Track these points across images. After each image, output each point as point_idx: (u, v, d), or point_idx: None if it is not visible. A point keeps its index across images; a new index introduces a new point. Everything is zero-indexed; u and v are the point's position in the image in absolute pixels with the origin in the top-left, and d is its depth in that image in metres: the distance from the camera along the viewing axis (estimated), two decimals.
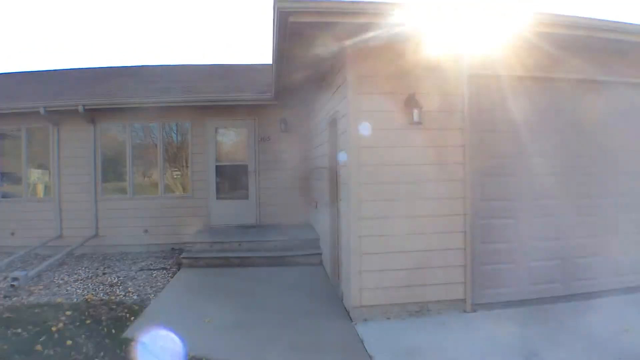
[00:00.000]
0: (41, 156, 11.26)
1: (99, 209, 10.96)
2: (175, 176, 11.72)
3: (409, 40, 5.36)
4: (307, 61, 6.30)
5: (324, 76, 7.28)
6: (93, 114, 10.69)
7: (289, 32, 5.08)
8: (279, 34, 5.26)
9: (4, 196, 11.31)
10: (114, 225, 10.84)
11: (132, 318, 5.87)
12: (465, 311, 5.71)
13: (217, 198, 11.11)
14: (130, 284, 7.70)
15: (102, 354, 4.75)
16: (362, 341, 4.95)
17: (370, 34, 5.00)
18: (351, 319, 5.58)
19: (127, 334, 5.31)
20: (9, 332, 5.42)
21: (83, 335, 5.27)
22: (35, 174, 11.43)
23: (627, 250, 6.15)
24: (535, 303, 5.78)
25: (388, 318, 5.53)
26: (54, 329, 5.49)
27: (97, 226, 10.91)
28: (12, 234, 10.90)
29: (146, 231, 10.64)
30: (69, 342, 5.07)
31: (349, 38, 5.21)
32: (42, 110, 10.25)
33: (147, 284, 7.68)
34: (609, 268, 6.08)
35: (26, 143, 11.18)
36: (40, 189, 11.38)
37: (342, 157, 6.12)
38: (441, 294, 5.71)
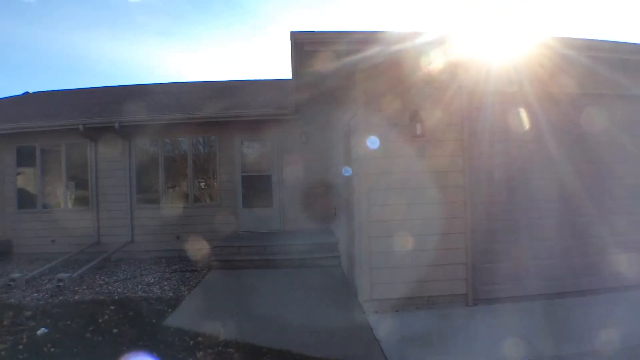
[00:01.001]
0: (79, 169, 12.16)
1: (134, 217, 11.82)
2: (203, 186, 12.53)
3: (411, 62, 6.04)
4: (322, 81, 7.01)
5: (338, 94, 7.97)
6: (127, 130, 11.54)
7: (304, 56, 5.80)
8: (295, 58, 5.99)
9: (45, 207, 12.23)
10: (148, 232, 11.66)
11: (170, 310, 6.62)
12: (467, 305, 6.29)
13: (243, 206, 11.86)
14: (165, 283, 8.48)
15: (145, 338, 5.49)
16: (371, 329, 5.60)
17: (373, 58, 5.72)
18: (363, 312, 6.22)
19: (166, 323, 6.06)
20: (59, 324, 6.19)
21: (127, 325, 6.04)
22: (71, 186, 12.32)
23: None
24: (533, 299, 6.31)
25: (396, 311, 6.14)
26: (100, 320, 6.28)
27: (132, 233, 11.76)
28: (53, 241, 11.81)
29: (178, 237, 11.39)
30: (115, 330, 5.83)
31: (355, 61, 5.91)
32: (81, 128, 11.18)
33: (180, 283, 8.44)
34: (601, 269, 6.58)
35: (65, 157, 12.10)
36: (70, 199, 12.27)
37: (354, 166, 6.78)
38: (445, 290, 6.30)
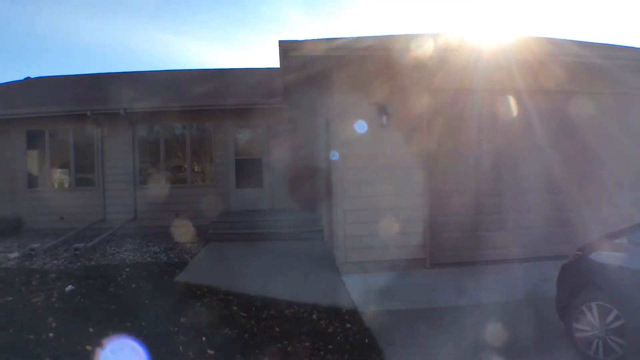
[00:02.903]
0: (86, 152, 13.29)
1: (137, 196, 13.03)
2: (200, 169, 13.80)
3: (380, 63, 7.29)
4: (306, 76, 8.21)
5: (320, 87, 9.16)
6: (131, 116, 12.65)
7: (290, 61, 7.03)
8: (283, 61, 7.19)
9: (54, 186, 13.44)
10: (150, 210, 12.83)
11: (178, 271, 7.93)
12: (425, 268, 7.61)
13: (236, 187, 13.13)
14: (170, 252, 9.75)
15: (160, 290, 6.76)
16: (344, 284, 6.93)
17: (348, 59, 6.98)
18: (339, 273, 7.53)
19: (176, 279, 7.35)
20: (83, 283, 7.36)
21: (143, 281, 7.29)
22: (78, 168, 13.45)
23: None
24: (481, 264, 7.59)
25: (366, 272, 7.43)
26: (119, 279, 7.52)
27: (135, 211, 12.97)
28: (62, 218, 12.92)
29: (177, 215, 12.55)
30: (134, 285, 7.09)
31: (333, 62, 7.20)
32: (89, 113, 12.29)
33: (183, 252, 9.72)
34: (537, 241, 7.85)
35: (73, 140, 13.25)
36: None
37: (333, 151, 8.02)
38: (407, 254, 7.60)
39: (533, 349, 4.48)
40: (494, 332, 4.76)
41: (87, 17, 44.44)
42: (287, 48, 6.65)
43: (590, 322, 4.27)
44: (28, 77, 18.92)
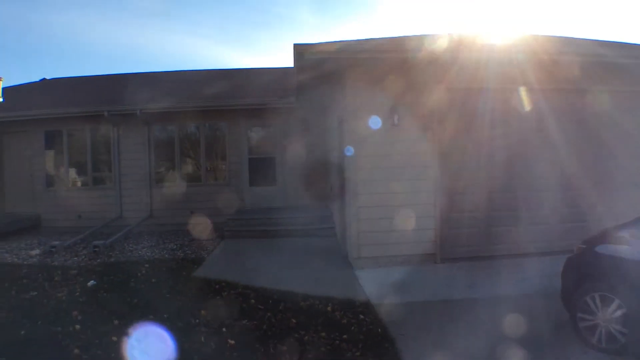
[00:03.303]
0: (103, 151, 13.62)
1: (152, 194, 13.32)
2: (214, 167, 14.05)
3: (392, 63, 7.48)
4: (319, 76, 8.38)
5: (333, 86, 9.34)
6: (147, 116, 12.93)
7: (304, 62, 7.24)
8: (297, 62, 7.39)
9: (71, 185, 13.78)
10: (165, 208, 13.13)
11: (196, 267, 8.18)
12: (435, 263, 7.79)
13: (249, 185, 13.37)
14: (187, 249, 10.02)
15: (180, 285, 7.00)
16: (357, 278, 7.14)
17: (360, 60, 7.19)
18: (352, 267, 7.75)
19: (194, 274, 7.60)
20: (104, 278, 7.62)
21: (163, 276, 7.54)
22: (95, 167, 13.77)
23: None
24: (490, 259, 7.75)
25: (378, 266, 7.62)
26: (139, 274, 7.78)
27: (151, 209, 13.26)
28: (79, 216, 13.25)
29: (192, 212, 12.79)
30: (154, 280, 7.34)
31: (345, 63, 7.42)
32: (106, 114, 12.58)
33: (200, 248, 9.97)
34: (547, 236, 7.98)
35: (90, 140, 13.56)
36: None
37: (346, 149, 8.21)
38: (419, 250, 7.78)
39: (540, 338, 4.64)
40: (503, 323, 4.94)
41: (101, 18, 44.89)
42: (301, 50, 6.86)
43: (593, 311, 4.46)
44: (44, 78, 19.32)
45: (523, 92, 7.88)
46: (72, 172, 13.83)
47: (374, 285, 6.69)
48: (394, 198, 7.67)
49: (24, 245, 10.85)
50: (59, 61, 51.47)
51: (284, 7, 53.63)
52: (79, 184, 13.84)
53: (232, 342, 4.81)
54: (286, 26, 55.99)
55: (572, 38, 7.53)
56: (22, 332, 5.13)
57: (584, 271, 4.78)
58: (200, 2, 51.60)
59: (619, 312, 4.22)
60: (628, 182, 8.22)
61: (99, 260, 9.18)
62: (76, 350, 4.66)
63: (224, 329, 5.14)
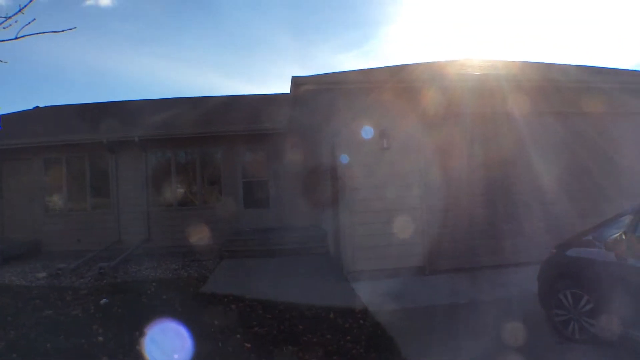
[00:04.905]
0: (101, 176, 14.11)
1: (150, 218, 13.80)
2: (210, 190, 14.61)
3: (380, 92, 8.20)
4: (313, 104, 9.09)
5: (326, 114, 10.02)
6: (145, 143, 13.50)
7: (299, 92, 7.94)
8: (293, 92, 8.08)
9: (71, 210, 14.18)
10: (163, 231, 13.63)
11: (201, 284, 8.72)
12: (424, 274, 8.41)
13: (244, 207, 13.98)
14: (189, 268, 10.55)
15: (189, 299, 7.54)
16: (353, 289, 7.76)
17: (351, 90, 7.93)
18: (347, 280, 8.36)
19: (201, 290, 8.15)
20: (115, 296, 8.08)
21: (172, 293, 8.06)
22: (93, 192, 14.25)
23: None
24: (473, 270, 8.39)
25: (372, 279, 8.21)
26: (148, 292, 8.29)
27: (149, 232, 13.73)
28: (79, 240, 13.63)
29: (189, 235, 13.19)
30: (164, 297, 7.85)
31: (337, 93, 8.17)
32: (105, 141, 13.14)
33: (201, 268, 10.51)
34: (525, 247, 8.63)
35: (89, 166, 14.09)
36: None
37: (340, 170, 8.85)
38: (408, 263, 8.40)
39: (519, 334, 5.24)
40: (485, 322, 5.66)
41: (98, 48, 45.40)
42: (298, 82, 7.59)
43: (566, 307, 5.15)
44: (37, 106, 19.62)
45: (501, 115, 8.62)
46: (71, 198, 14.23)
47: (370, 295, 7.30)
48: (385, 216, 8.30)
49: (28, 269, 11.21)
50: (46, 89, 51.72)
51: (264, 33, 54.68)
52: (78, 209, 14.23)
53: (249, 345, 5.39)
54: (266, 51, 56.99)
55: (544, 63, 8.31)
56: (48, 345, 5.60)
57: (557, 272, 5.49)
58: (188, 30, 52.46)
59: (588, 307, 4.91)
60: (601, 196, 8.93)
61: (105, 281, 9.59)
62: (105, 358, 5.18)
63: (238, 335, 5.71)
